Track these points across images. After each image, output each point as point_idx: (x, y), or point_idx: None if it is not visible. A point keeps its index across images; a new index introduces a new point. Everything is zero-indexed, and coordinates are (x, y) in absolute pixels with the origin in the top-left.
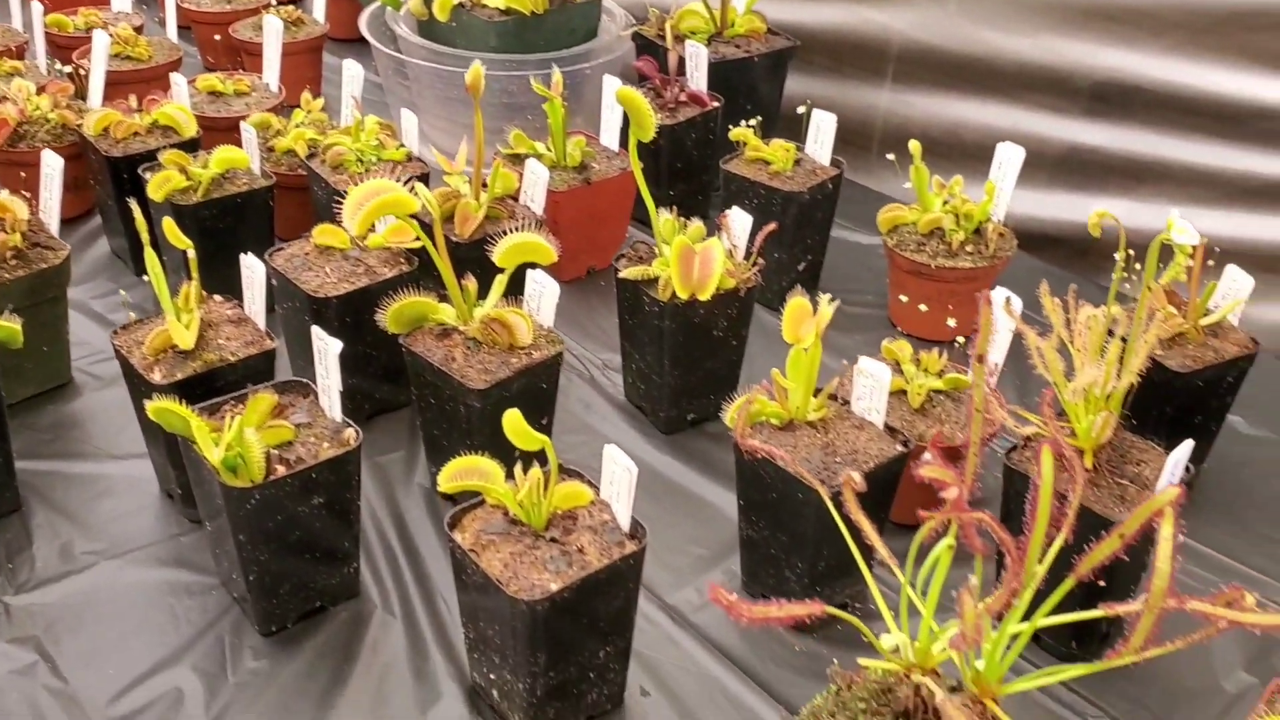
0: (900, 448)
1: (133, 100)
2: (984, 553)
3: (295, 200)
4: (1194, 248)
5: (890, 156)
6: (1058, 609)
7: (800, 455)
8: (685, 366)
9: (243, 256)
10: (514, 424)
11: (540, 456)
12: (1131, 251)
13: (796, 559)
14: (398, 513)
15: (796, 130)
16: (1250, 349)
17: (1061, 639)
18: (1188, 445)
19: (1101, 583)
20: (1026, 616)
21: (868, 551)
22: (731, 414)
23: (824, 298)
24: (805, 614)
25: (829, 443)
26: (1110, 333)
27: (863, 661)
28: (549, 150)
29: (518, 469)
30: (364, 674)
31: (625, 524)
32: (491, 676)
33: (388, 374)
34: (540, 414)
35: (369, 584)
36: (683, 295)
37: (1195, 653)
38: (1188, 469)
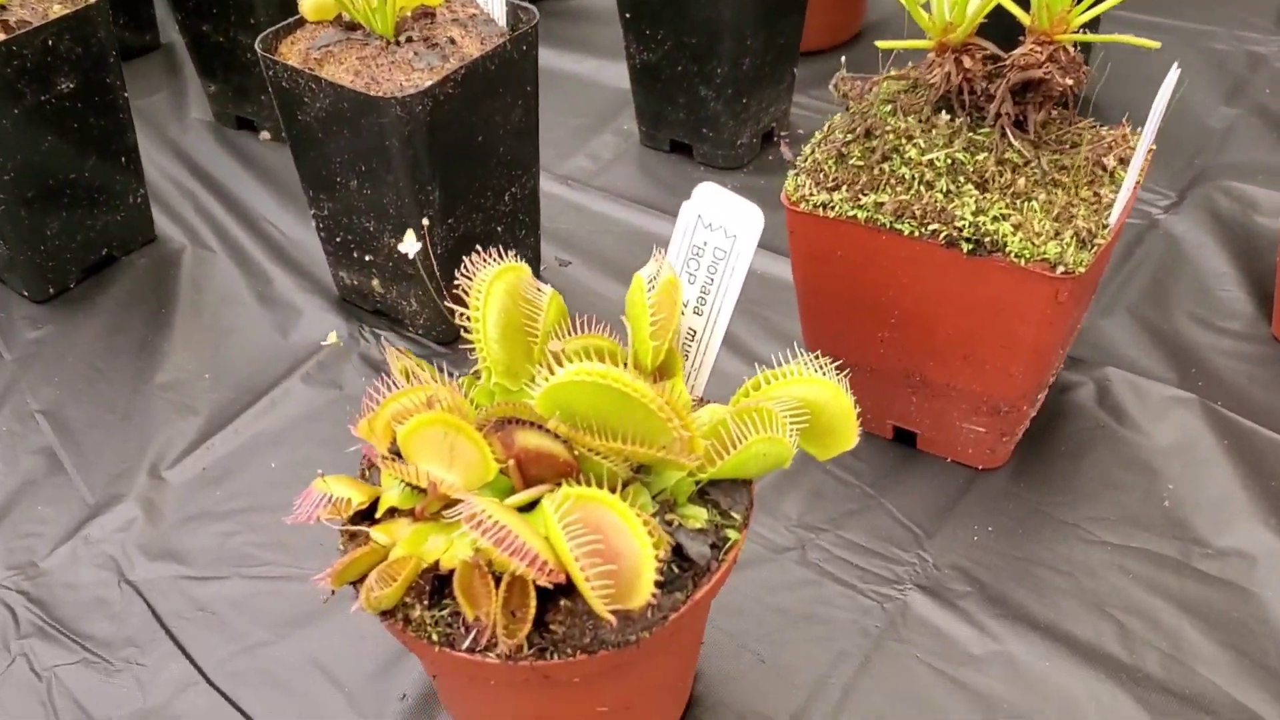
0: None
1: None
2: None
3: None
4: None
5: None
6: None
7: None
8: None
9: None
10: None
11: None
12: None
13: (715, 65)
14: (182, 151)
15: None
16: None
17: None
18: None
19: None
20: None
21: None
22: None
23: None
24: None
25: None
26: None
27: (882, 44)
28: None
29: None
30: (191, 315)
31: (500, 15)
32: (369, 258)
33: (123, 8)
34: None
35: (167, 227)
36: None
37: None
38: None
